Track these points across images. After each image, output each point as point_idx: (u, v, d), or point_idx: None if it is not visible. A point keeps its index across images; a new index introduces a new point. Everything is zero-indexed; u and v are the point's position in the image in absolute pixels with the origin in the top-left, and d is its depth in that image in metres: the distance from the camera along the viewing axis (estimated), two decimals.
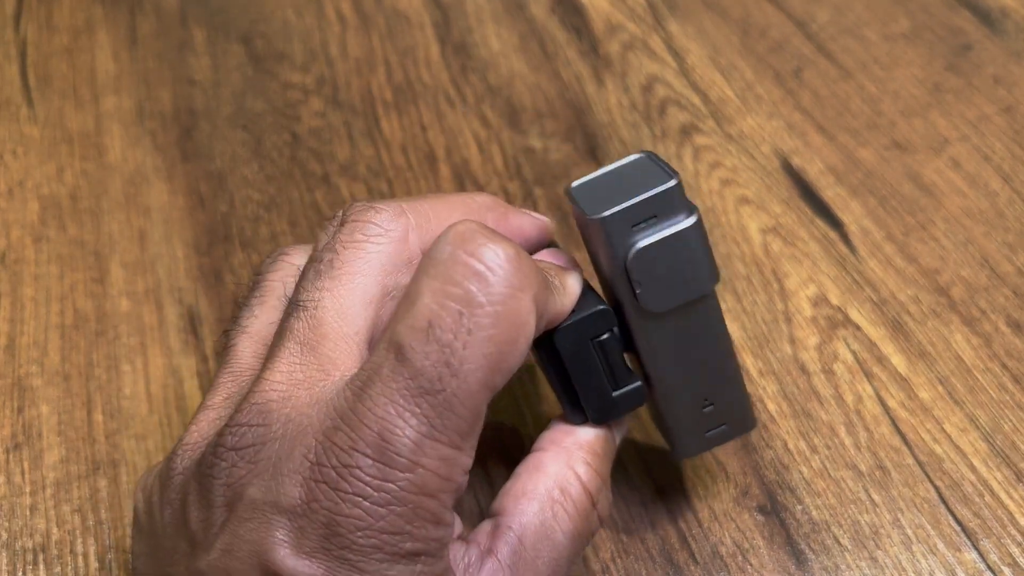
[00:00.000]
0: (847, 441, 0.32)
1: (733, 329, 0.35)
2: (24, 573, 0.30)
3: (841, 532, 0.30)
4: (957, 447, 0.31)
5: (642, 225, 0.22)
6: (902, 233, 0.37)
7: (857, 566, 0.29)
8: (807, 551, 0.29)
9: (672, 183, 0.22)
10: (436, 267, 0.20)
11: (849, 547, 0.29)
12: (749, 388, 0.33)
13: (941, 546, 0.29)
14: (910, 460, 0.31)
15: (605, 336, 0.24)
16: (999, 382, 0.33)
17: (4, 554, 0.31)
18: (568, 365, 0.24)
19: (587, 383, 0.25)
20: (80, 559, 0.31)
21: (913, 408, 0.32)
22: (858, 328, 0.34)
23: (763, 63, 0.43)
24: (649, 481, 0.31)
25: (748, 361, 0.34)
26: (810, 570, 0.29)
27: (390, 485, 0.19)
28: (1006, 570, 0.29)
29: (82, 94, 0.45)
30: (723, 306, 0.35)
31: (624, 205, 0.22)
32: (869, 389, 0.33)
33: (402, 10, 0.48)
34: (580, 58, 0.45)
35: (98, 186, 0.41)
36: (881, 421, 0.32)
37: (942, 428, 0.32)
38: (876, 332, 0.34)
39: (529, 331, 0.21)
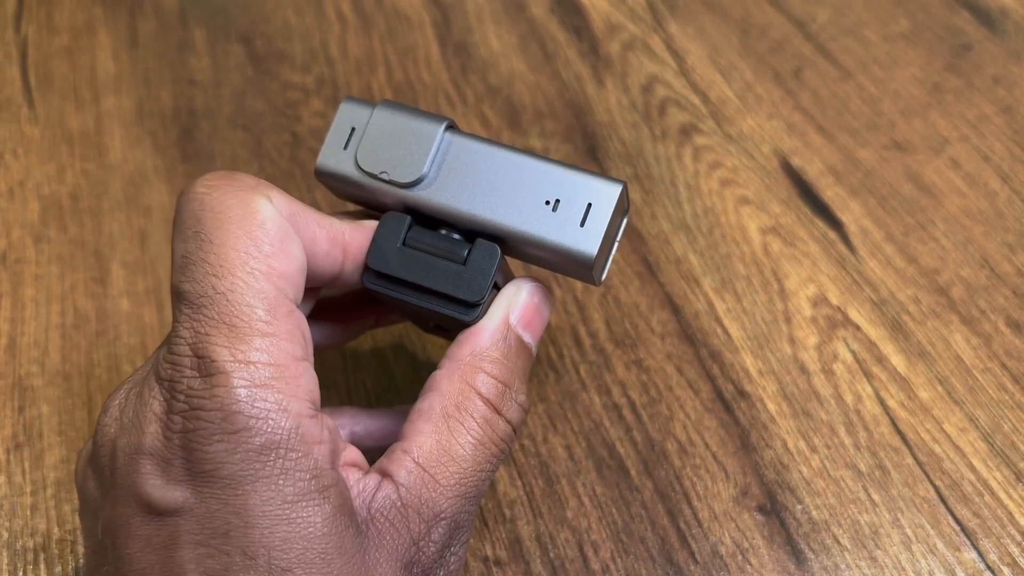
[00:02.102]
0: (847, 441, 0.32)
1: (733, 329, 0.35)
2: (25, 573, 0.30)
3: (841, 532, 0.30)
4: (957, 447, 0.31)
5: (347, 142, 0.26)
6: (902, 233, 0.37)
7: (857, 566, 0.29)
8: (807, 551, 0.30)
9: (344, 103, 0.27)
10: None
11: (849, 547, 0.30)
12: (749, 388, 0.33)
13: (941, 546, 0.29)
14: (910, 460, 0.31)
15: (409, 232, 0.26)
16: (999, 382, 0.33)
17: (5, 554, 0.31)
18: (406, 276, 0.25)
19: (436, 276, 0.25)
20: (81, 559, 0.31)
21: (913, 408, 0.32)
22: (858, 328, 0.34)
23: (763, 63, 0.43)
24: (649, 481, 0.31)
25: (748, 361, 0.34)
26: (810, 570, 0.29)
27: (218, 389, 0.21)
28: (1005, 570, 0.29)
29: (82, 94, 0.45)
30: (723, 306, 0.35)
31: (324, 143, 0.27)
32: (869, 389, 0.33)
33: (402, 10, 0.48)
34: (580, 58, 0.45)
35: (98, 186, 0.41)
36: (881, 421, 0.32)
37: (942, 428, 0.32)
38: (876, 332, 0.34)
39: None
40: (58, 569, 0.31)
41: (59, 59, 0.46)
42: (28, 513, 0.32)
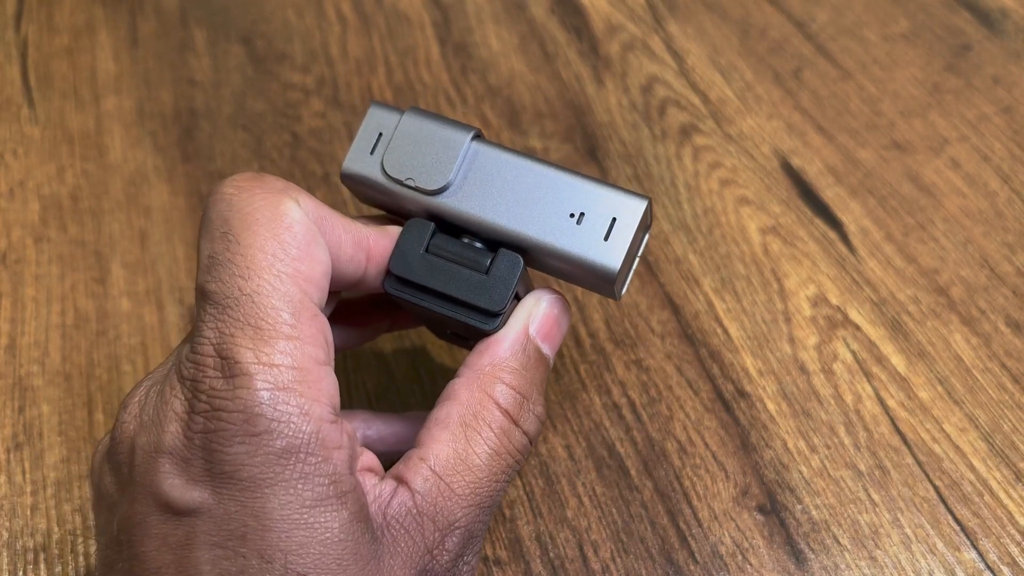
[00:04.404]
0: (846, 441, 0.32)
1: (733, 328, 0.35)
2: (25, 573, 0.31)
3: (841, 532, 0.30)
4: (956, 447, 0.31)
5: (374, 147, 0.27)
6: (901, 233, 0.37)
7: (856, 566, 0.29)
8: (807, 551, 0.30)
9: (371, 107, 0.27)
10: None
11: (849, 547, 0.30)
12: (749, 388, 0.33)
13: (940, 545, 0.29)
14: (909, 460, 0.31)
15: (433, 239, 0.26)
16: (998, 382, 0.33)
17: (5, 554, 0.31)
18: (429, 283, 0.25)
19: (458, 284, 0.25)
20: (81, 559, 0.31)
21: (912, 408, 0.32)
22: (857, 328, 0.34)
23: (763, 63, 0.43)
24: (649, 481, 0.31)
25: (748, 361, 0.34)
26: (810, 570, 0.29)
27: (241, 391, 0.21)
28: (1005, 569, 0.29)
29: (83, 94, 0.45)
30: (723, 306, 0.35)
31: (351, 148, 0.27)
32: (868, 389, 0.33)
33: (402, 10, 0.48)
34: (580, 58, 0.45)
35: (99, 186, 0.41)
36: (880, 421, 0.32)
37: (941, 428, 0.32)
38: (875, 332, 0.34)
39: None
40: (58, 569, 0.31)
41: (59, 59, 0.46)
42: (28, 513, 0.32)
